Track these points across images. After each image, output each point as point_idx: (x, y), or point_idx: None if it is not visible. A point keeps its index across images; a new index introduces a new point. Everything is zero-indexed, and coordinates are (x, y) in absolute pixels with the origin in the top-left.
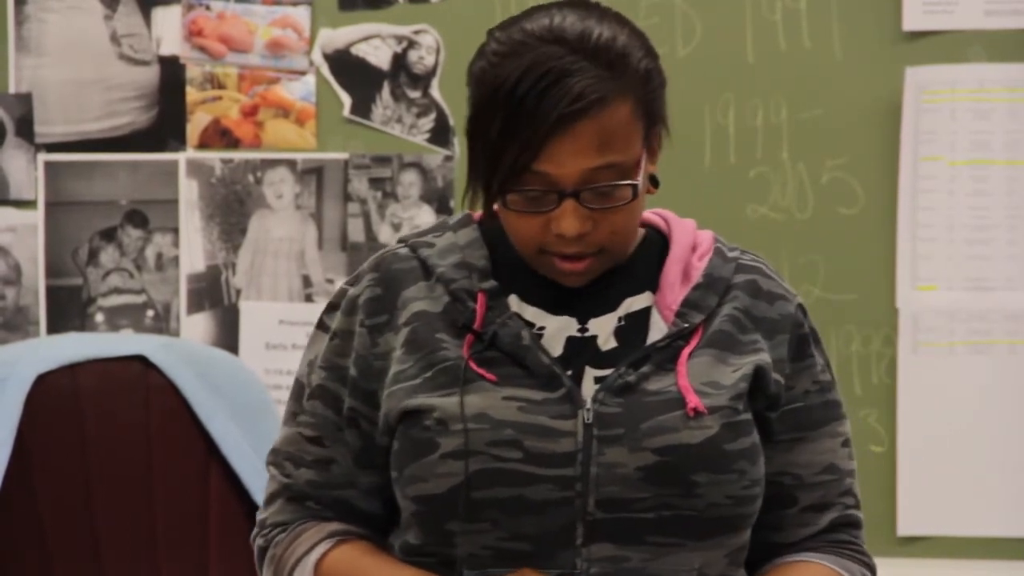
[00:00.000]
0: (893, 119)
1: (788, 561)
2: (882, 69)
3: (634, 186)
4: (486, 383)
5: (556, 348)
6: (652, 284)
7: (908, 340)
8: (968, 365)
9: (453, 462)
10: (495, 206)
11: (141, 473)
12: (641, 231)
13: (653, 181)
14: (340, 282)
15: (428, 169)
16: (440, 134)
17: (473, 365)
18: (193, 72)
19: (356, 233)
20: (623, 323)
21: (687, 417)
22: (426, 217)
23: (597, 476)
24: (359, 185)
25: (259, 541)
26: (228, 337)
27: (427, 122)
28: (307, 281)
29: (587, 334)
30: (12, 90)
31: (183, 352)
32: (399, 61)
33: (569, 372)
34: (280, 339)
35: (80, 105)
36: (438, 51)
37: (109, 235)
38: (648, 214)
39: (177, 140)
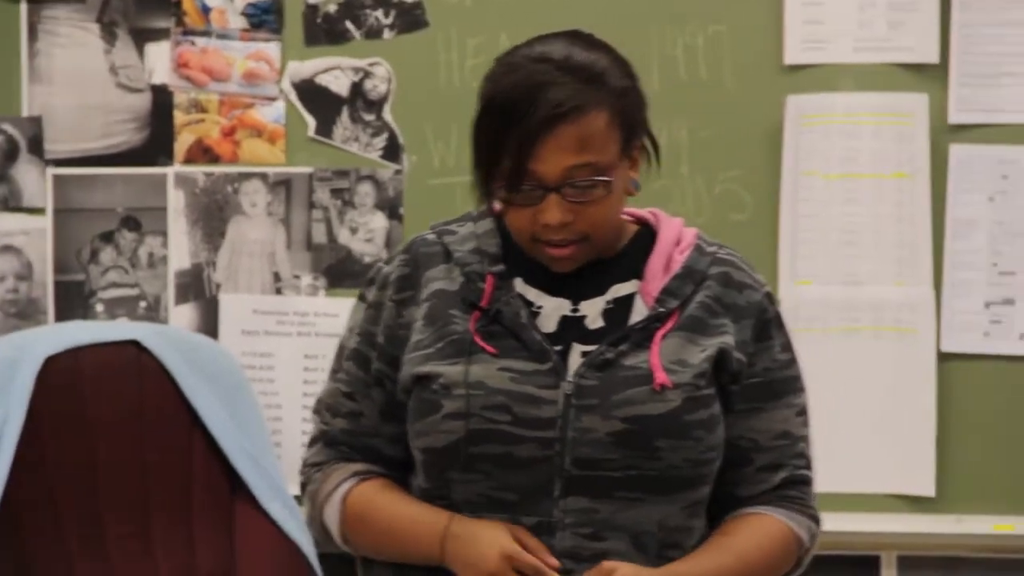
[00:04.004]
0: (777, 139)
1: (743, 513)
2: (767, 97)
3: (607, 183)
4: (487, 355)
5: (550, 325)
6: (639, 273)
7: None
8: (839, 348)
9: (452, 421)
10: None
11: (135, 443)
12: (635, 227)
13: (636, 186)
14: (305, 278)
15: (381, 181)
16: (391, 151)
17: (478, 339)
18: (180, 98)
19: (319, 236)
20: (611, 306)
21: (654, 391)
22: (379, 223)
23: (573, 439)
24: (322, 195)
25: (301, 478)
26: (209, 325)
27: (380, 141)
28: (277, 277)
29: (578, 314)
30: (25, 113)
31: (172, 338)
32: (356, 89)
33: (559, 347)
34: (254, 326)
35: (83, 126)
36: (390, 80)
37: (108, 237)
38: (642, 212)
39: (166, 156)
